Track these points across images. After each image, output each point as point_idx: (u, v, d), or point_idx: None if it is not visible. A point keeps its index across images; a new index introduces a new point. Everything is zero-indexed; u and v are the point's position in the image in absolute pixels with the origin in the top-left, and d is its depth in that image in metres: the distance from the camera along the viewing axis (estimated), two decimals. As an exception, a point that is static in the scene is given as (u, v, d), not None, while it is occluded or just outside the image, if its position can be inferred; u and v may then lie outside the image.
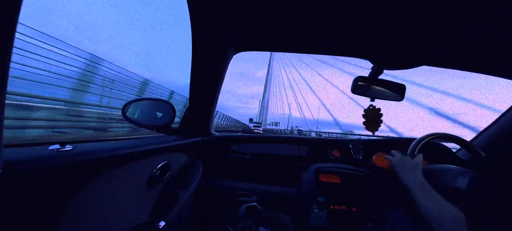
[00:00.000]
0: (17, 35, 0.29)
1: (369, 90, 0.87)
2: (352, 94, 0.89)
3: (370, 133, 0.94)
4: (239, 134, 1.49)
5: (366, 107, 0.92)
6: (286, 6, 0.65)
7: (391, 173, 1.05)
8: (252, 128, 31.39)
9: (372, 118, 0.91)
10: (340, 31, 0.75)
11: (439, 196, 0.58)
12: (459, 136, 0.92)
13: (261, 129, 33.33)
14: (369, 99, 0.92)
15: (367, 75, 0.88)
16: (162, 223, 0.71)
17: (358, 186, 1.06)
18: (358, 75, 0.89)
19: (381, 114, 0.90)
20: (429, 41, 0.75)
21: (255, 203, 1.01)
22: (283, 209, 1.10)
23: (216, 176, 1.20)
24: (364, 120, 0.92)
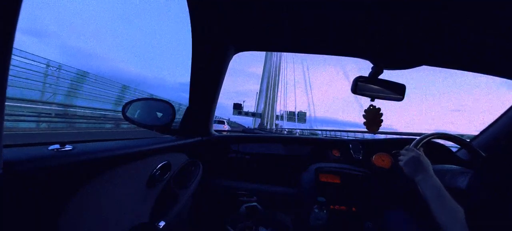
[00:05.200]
0: None
1: (369, 90, 0.87)
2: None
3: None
4: (240, 133, 1.49)
5: (366, 108, 0.90)
6: (287, 6, 0.65)
7: (392, 173, 1.05)
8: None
9: (373, 118, 0.91)
10: (340, 31, 0.75)
11: (455, 204, 0.56)
12: (459, 136, 0.92)
13: (226, 126, 16.98)
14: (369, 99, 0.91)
15: (367, 75, 0.88)
16: (162, 223, 0.72)
17: (358, 186, 1.06)
18: (358, 75, 0.89)
19: (381, 114, 0.90)
20: (429, 41, 0.75)
21: (255, 203, 1.01)
22: (283, 209, 1.10)
23: (216, 176, 1.20)
24: (364, 120, 0.91)
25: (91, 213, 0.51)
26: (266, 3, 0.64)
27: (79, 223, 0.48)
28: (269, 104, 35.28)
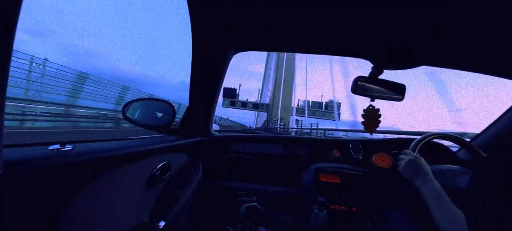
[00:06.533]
0: None
1: (369, 90, 0.87)
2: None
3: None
4: (240, 133, 1.49)
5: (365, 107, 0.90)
6: (286, 6, 0.65)
7: (392, 173, 1.05)
8: None
9: (371, 118, 0.91)
10: (341, 31, 0.75)
11: (454, 208, 0.55)
12: (459, 136, 0.92)
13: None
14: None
15: (367, 75, 0.88)
16: (162, 223, 0.72)
17: (358, 186, 1.06)
18: (358, 75, 0.89)
19: (380, 115, 0.90)
20: (429, 41, 0.75)
21: (255, 203, 1.01)
22: (283, 209, 1.10)
23: (216, 176, 1.20)
24: (363, 120, 0.91)
25: (91, 213, 0.51)
26: (266, 3, 0.64)
27: (79, 223, 0.48)
28: (284, 87, 18.85)
